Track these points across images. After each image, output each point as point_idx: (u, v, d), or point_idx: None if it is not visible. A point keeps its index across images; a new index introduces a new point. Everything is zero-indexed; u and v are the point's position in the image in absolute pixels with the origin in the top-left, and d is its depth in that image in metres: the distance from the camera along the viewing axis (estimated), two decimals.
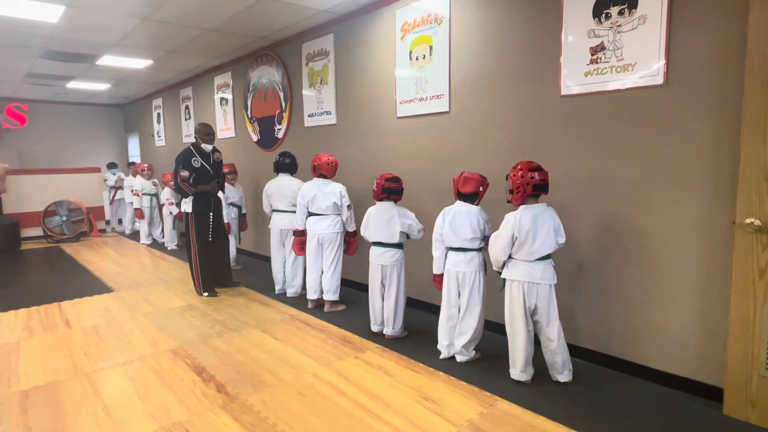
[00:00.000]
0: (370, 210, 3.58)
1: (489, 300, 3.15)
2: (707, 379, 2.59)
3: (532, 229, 2.64)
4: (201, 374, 3.00)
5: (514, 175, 2.69)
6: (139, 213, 7.85)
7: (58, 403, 2.68)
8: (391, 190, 3.50)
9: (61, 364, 3.19)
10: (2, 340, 3.66)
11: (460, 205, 3.07)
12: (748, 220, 2.27)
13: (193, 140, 4.74)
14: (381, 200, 3.53)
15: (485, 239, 3.07)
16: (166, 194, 7.17)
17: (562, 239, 2.71)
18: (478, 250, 3.06)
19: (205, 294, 4.73)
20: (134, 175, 8.22)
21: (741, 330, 2.34)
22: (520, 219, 2.66)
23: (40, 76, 7.53)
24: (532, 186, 2.64)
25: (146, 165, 7.96)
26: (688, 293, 2.63)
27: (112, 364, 3.17)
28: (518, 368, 2.79)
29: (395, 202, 3.54)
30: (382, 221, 3.47)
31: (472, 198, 3.05)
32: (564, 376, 2.78)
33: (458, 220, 3.03)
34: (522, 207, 2.70)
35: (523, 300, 2.72)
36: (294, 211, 4.39)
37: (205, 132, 4.66)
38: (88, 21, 4.73)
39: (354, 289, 4.87)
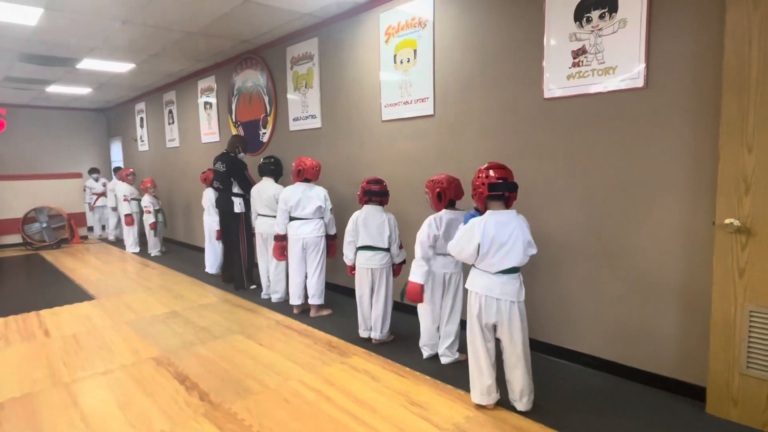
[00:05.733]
0: (357, 215, 3.50)
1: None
2: (690, 378, 2.62)
3: (497, 238, 2.36)
4: (184, 382, 2.94)
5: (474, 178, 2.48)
6: (129, 219, 7.60)
7: (35, 415, 2.60)
8: (373, 192, 3.47)
9: (39, 375, 3.11)
10: None
11: (449, 213, 3.02)
12: (727, 221, 2.30)
13: (228, 149, 5.07)
14: (366, 203, 3.51)
15: None
16: (146, 201, 7.07)
17: (533, 250, 2.45)
18: None
19: (253, 287, 5.14)
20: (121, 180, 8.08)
21: (722, 329, 2.37)
22: (485, 226, 2.37)
23: (18, 80, 7.37)
24: (488, 186, 2.38)
25: (131, 170, 7.84)
26: (669, 293, 2.66)
27: (92, 374, 3.10)
28: (477, 390, 2.52)
29: (381, 205, 3.52)
30: (372, 225, 3.43)
31: (454, 203, 3.08)
32: (522, 404, 2.48)
33: (452, 229, 2.96)
34: (488, 212, 2.43)
35: (479, 314, 2.46)
36: (274, 216, 4.38)
37: (245, 144, 5.17)
38: (68, 24, 4.64)
39: (339, 293, 4.83)
